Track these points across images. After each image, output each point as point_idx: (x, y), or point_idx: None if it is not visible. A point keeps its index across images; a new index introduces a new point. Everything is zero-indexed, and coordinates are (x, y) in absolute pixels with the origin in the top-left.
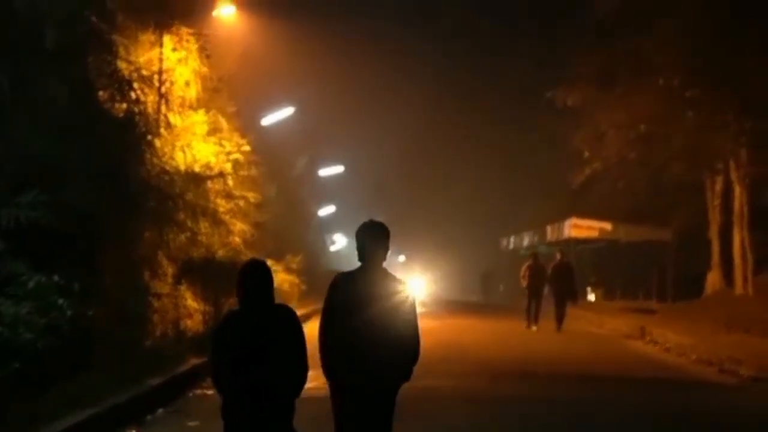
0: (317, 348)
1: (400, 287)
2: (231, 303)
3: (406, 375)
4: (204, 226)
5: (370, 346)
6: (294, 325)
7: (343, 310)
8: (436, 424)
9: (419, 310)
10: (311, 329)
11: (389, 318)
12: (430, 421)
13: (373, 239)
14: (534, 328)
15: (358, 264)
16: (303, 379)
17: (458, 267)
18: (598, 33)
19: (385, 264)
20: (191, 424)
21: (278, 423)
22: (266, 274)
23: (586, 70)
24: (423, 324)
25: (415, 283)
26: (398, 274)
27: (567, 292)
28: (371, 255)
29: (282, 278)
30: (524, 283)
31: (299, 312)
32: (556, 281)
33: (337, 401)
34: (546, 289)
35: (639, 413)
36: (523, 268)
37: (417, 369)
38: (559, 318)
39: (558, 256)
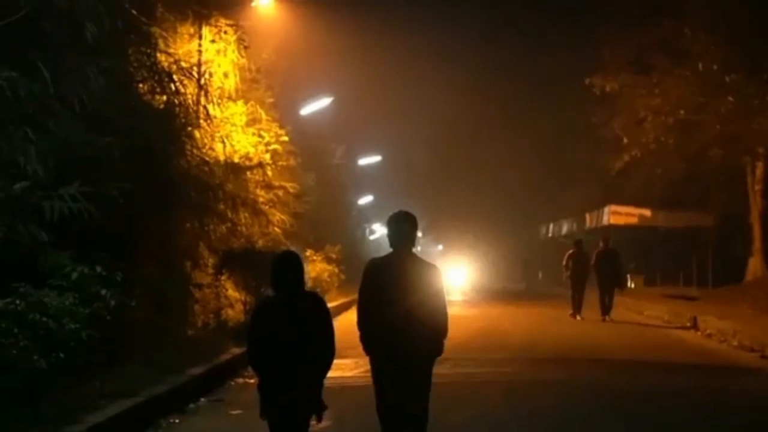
0: (357, 336)
1: (428, 270)
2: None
3: (439, 349)
4: (244, 216)
5: (404, 323)
6: (322, 310)
7: (377, 291)
8: (475, 408)
9: (461, 298)
10: (351, 317)
11: (419, 297)
12: (469, 407)
13: (402, 227)
14: (578, 317)
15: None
16: (331, 357)
17: (500, 255)
18: (633, 18)
19: (414, 249)
20: (233, 412)
21: (308, 396)
22: (298, 264)
23: (622, 56)
24: (463, 312)
25: (458, 273)
26: (437, 262)
27: (613, 280)
28: (401, 241)
29: (321, 268)
30: (567, 272)
31: (339, 301)
32: (602, 269)
33: (377, 374)
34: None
35: (678, 399)
36: (566, 256)
37: (458, 356)
38: (607, 307)
39: (602, 243)
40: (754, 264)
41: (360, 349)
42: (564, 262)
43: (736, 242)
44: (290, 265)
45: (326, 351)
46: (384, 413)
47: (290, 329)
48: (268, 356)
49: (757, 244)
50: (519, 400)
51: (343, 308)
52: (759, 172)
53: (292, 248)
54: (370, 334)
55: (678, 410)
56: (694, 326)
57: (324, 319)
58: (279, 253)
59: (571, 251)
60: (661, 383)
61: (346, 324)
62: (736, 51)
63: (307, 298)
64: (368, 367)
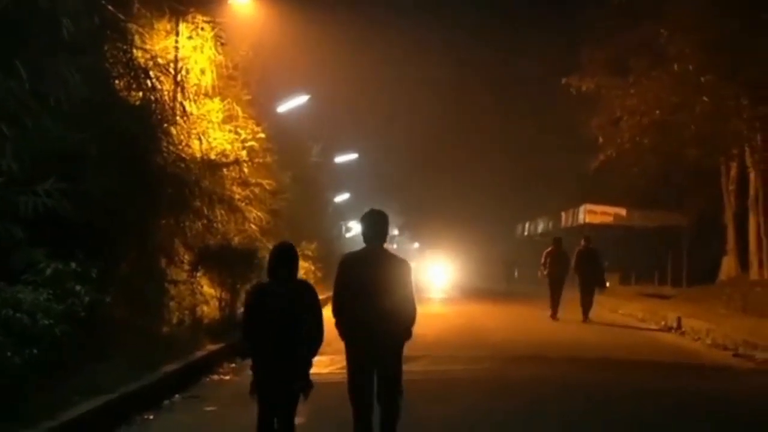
0: (332, 332)
1: (399, 264)
2: (247, 289)
3: (407, 335)
4: (220, 213)
5: (376, 312)
6: (312, 297)
7: (351, 283)
8: (452, 406)
9: (440, 296)
10: (328, 313)
11: (390, 289)
12: (445, 404)
13: (374, 224)
14: (556, 317)
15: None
16: (320, 340)
17: (479, 255)
18: (610, 19)
19: (388, 246)
20: (208, 409)
21: (298, 375)
22: (293, 255)
23: (599, 57)
24: (441, 310)
25: (436, 271)
26: (414, 260)
27: (594, 280)
28: (373, 237)
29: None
30: (544, 271)
31: None
32: (582, 268)
33: (351, 358)
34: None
35: (653, 397)
36: (544, 254)
37: (435, 353)
38: (586, 307)
39: (583, 241)
40: (728, 263)
41: (335, 345)
42: (542, 260)
43: (711, 242)
44: (286, 255)
45: (315, 333)
46: (356, 393)
47: (282, 313)
48: (261, 336)
49: (731, 243)
50: (495, 397)
51: (321, 304)
52: (733, 172)
53: (289, 241)
54: (345, 322)
55: (652, 408)
56: (668, 325)
57: (313, 304)
58: (278, 243)
59: (549, 249)
60: (636, 381)
61: (324, 317)
62: (711, 53)
63: (299, 285)
64: (343, 363)
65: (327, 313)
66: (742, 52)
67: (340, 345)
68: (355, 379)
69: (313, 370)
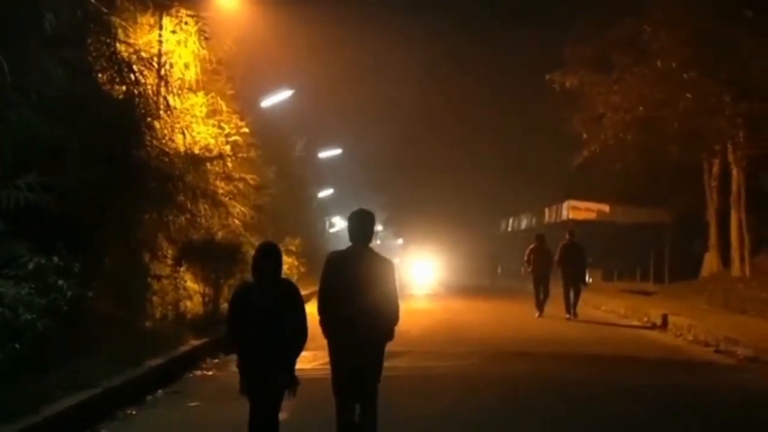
0: (316, 329)
1: (383, 263)
2: (231, 284)
3: (390, 334)
4: (203, 208)
5: (360, 310)
6: (296, 295)
7: (337, 281)
8: (435, 402)
9: (425, 292)
10: (311, 309)
11: (374, 288)
12: (428, 400)
13: (361, 224)
14: (540, 315)
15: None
16: (304, 338)
17: (464, 251)
18: (593, 15)
19: (373, 244)
20: (191, 404)
21: (284, 372)
22: (277, 254)
23: (582, 53)
24: (424, 306)
25: (421, 268)
26: (398, 257)
27: (579, 276)
28: (359, 237)
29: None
30: (528, 268)
31: None
32: (567, 264)
33: (334, 354)
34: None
35: (637, 393)
36: (528, 250)
37: (418, 349)
38: (573, 303)
39: (567, 236)
40: (710, 260)
41: (319, 341)
42: (525, 257)
43: (693, 238)
44: (270, 255)
45: (299, 331)
46: (339, 389)
47: (266, 311)
48: (246, 335)
49: (713, 240)
50: (478, 394)
51: (304, 299)
52: (716, 169)
53: (272, 241)
54: (329, 320)
55: (635, 404)
56: (650, 321)
57: (297, 302)
58: (262, 243)
59: (532, 245)
60: (620, 378)
61: (308, 313)
62: (694, 49)
63: (283, 284)
64: (325, 360)
65: (311, 309)
66: (724, 49)
67: (324, 341)
68: (337, 376)
69: (296, 366)
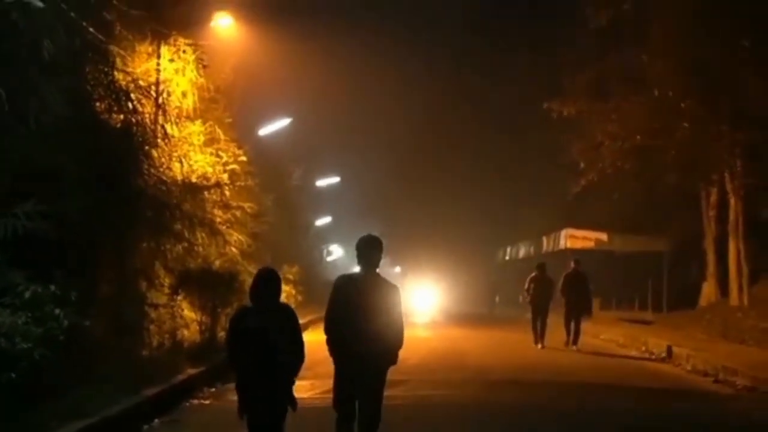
0: (314, 357)
1: (390, 289)
2: (228, 312)
3: (393, 358)
4: (201, 236)
5: (365, 333)
6: (294, 319)
7: (344, 303)
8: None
9: (424, 320)
10: (310, 337)
11: (379, 312)
12: (424, 429)
13: (369, 250)
14: (539, 345)
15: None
16: (301, 359)
17: (462, 279)
18: (591, 44)
19: (378, 269)
20: None
21: (282, 392)
22: (276, 280)
23: (580, 81)
24: (423, 335)
25: (421, 296)
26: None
27: (582, 306)
28: (368, 262)
29: None
30: (527, 297)
31: None
32: (570, 293)
33: (338, 374)
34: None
35: (633, 422)
36: (528, 279)
37: (416, 377)
38: (574, 333)
39: (573, 264)
40: (708, 289)
41: (316, 369)
42: (525, 286)
43: (691, 267)
44: (268, 281)
45: (296, 354)
46: (340, 409)
47: (264, 335)
48: (243, 356)
49: (711, 269)
50: (475, 423)
51: (303, 328)
52: (713, 198)
53: (271, 267)
54: (335, 340)
55: None
56: (648, 350)
57: (295, 327)
58: (261, 269)
59: (533, 274)
60: (617, 407)
61: (306, 342)
62: (691, 78)
63: (281, 309)
64: (324, 388)
65: (308, 336)
66: (722, 78)
67: (321, 370)
68: (340, 394)
69: (295, 395)
